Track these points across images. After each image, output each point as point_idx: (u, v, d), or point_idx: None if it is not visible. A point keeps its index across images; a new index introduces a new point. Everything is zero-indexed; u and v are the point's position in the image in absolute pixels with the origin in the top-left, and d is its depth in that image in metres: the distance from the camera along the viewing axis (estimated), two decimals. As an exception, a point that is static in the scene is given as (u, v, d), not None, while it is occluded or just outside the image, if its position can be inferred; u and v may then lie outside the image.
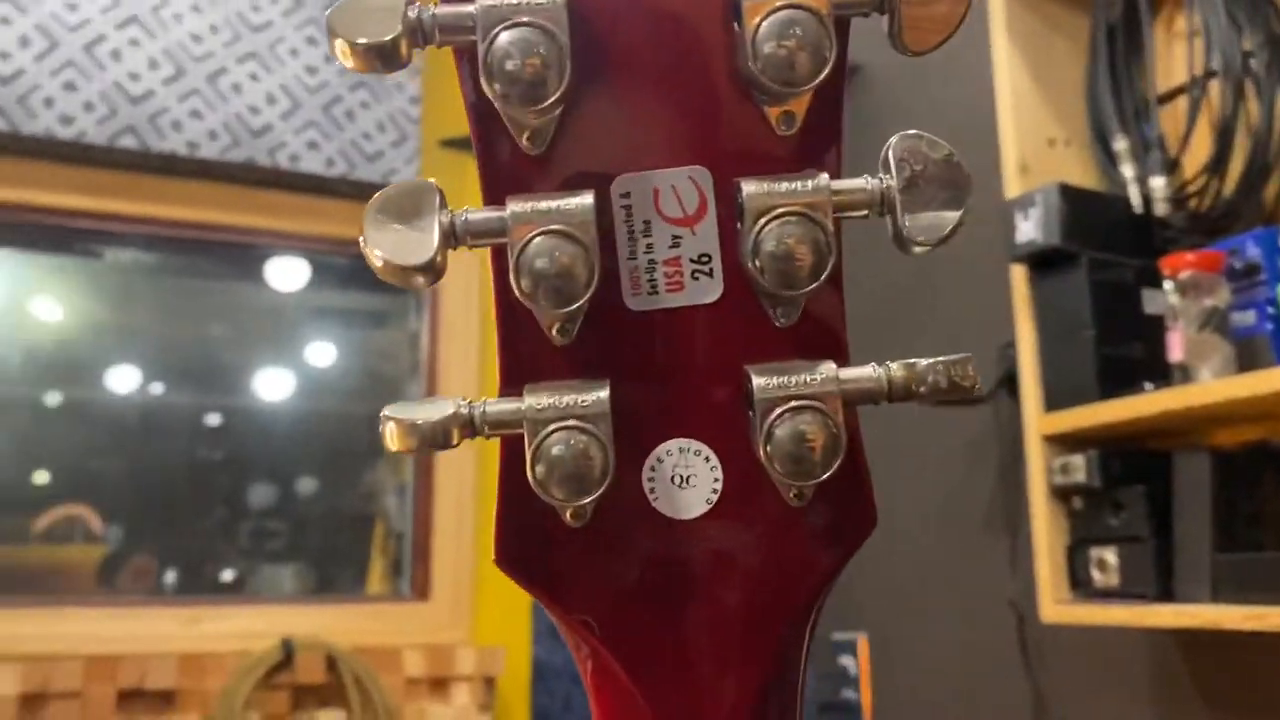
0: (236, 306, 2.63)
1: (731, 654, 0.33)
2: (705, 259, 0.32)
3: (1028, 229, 1.32)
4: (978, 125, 1.54)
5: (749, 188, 0.31)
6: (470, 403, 0.31)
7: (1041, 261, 1.34)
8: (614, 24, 0.32)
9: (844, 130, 0.33)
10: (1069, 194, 1.30)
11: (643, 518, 0.32)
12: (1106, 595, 1.24)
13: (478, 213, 0.31)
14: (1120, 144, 1.34)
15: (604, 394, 0.31)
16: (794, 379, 0.31)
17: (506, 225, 0.30)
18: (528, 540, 0.32)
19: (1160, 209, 1.28)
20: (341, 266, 2.48)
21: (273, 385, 2.62)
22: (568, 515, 0.32)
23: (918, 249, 0.31)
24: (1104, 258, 1.29)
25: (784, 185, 0.31)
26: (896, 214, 0.31)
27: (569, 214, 0.30)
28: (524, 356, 0.32)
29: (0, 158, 1.98)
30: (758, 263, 0.31)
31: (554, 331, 0.32)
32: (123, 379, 2.51)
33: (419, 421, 0.31)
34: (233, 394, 2.58)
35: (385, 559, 2.39)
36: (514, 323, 0.32)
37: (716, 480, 0.33)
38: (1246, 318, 1.15)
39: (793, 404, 0.31)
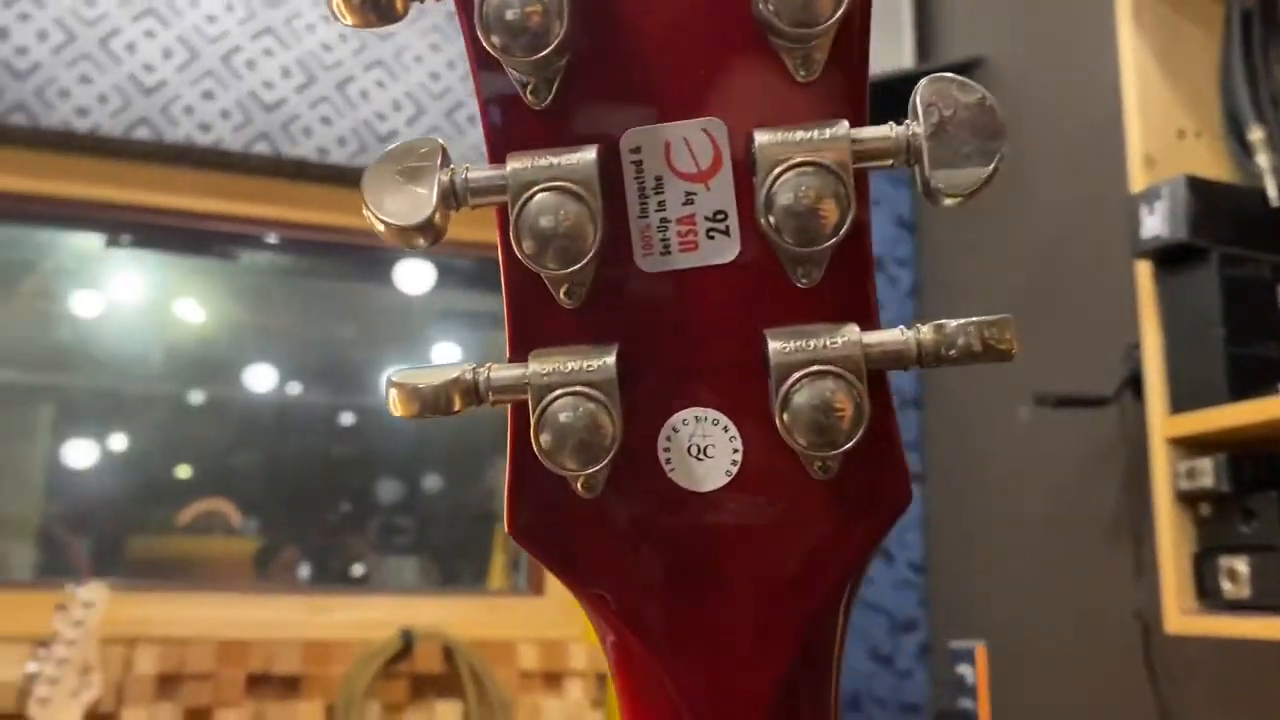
0: (367, 308, 2.70)
1: (755, 632, 0.31)
2: (721, 216, 0.31)
3: (1153, 223, 1.26)
4: (1103, 117, 1.48)
5: (761, 138, 0.29)
6: (475, 368, 0.31)
7: (1168, 257, 1.28)
8: None
9: (867, 76, 0.30)
10: (1197, 186, 1.24)
11: (658, 489, 0.31)
12: (1237, 607, 1.18)
13: (478, 170, 0.30)
14: (1256, 134, 1.28)
15: (611, 359, 0.29)
16: (813, 342, 0.29)
17: (507, 183, 0.29)
18: (540, 511, 0.31)
19: (1299, 201, 1.21)
20: (466, 269, 2.52)
21: (401, 385, 2.68)
22: (578, 485, 0.31)
23: (948, 201, 0.29)
24: (1236, 253, 1.23)
25: (799, 134, 0.29)
26: (924, 164, 0.29)
27: (571, 169, 0.29)
28: (532, 322, 0.31)
29: (145, 163, 2.07)
30: (772, 218, 0.29)
31: (562, 294, 0.31)
32: (260, 378, 2.61)
33: (420, 386, 0.30)
34: (363, 393, 2.66)
35: (505, 554, 2.42)
36: (522, 287, 0.31)
37: (736, 451, 0.31)
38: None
39: (813, 369, 0.29)
